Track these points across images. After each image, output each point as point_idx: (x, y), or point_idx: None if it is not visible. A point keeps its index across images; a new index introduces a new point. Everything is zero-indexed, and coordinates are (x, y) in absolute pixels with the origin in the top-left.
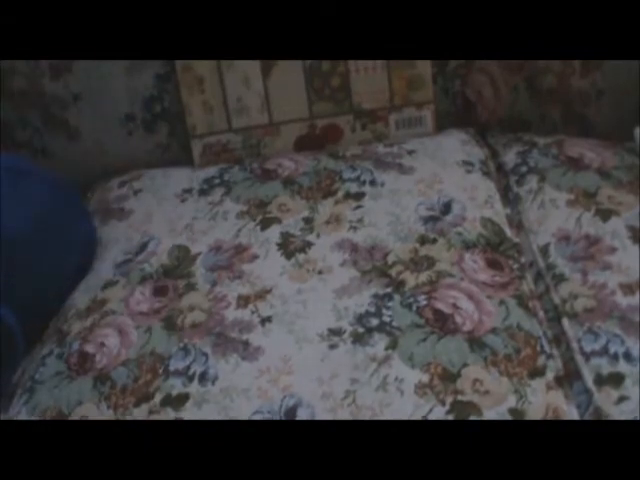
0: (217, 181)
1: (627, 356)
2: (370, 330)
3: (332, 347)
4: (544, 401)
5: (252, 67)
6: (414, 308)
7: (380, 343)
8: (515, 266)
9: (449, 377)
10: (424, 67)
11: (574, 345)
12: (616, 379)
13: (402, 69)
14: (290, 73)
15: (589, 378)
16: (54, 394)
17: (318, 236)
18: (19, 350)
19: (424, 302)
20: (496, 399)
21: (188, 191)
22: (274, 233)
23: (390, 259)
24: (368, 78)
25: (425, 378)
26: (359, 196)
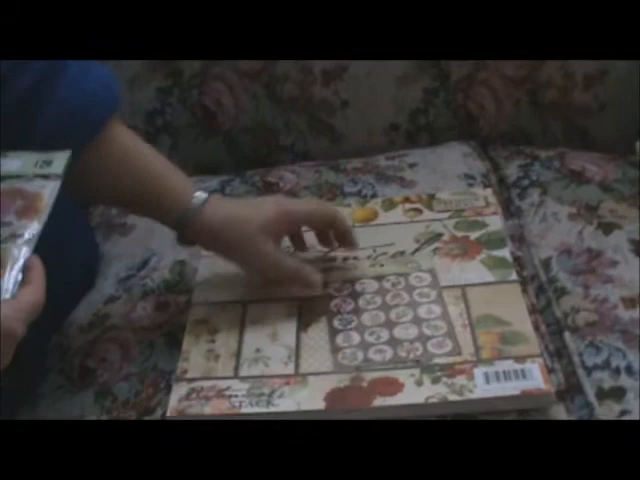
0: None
1: (629, 370)
2: None
3: None
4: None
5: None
6: None
7: None
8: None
9: None
10: (521, 323)
11: (576, 359)
12: (618, 393)
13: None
14: None
15: (590, 392)
16: (56, 408)
17: None
18: None
19: None
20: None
21: None
22: None
23: None
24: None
25: None
26: None
